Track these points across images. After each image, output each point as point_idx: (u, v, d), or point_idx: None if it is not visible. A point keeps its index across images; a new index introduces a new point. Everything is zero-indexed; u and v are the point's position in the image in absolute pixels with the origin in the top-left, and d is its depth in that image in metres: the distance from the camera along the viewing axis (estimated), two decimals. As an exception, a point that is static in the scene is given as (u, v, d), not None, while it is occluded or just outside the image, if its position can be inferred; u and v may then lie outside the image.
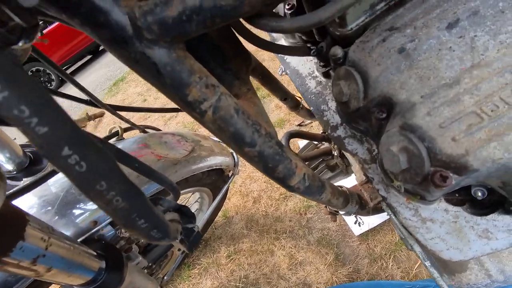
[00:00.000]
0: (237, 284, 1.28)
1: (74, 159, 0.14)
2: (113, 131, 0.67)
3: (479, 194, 0.32)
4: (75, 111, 3.43)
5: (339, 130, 0.46)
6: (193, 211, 0.50)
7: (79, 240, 0.55)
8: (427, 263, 0.52)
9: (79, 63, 5.68)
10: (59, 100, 0.22)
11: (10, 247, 0.25)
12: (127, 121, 0.59)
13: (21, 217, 0.27)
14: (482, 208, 0.34)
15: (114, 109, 0.58)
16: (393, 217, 0.41)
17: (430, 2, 0.31)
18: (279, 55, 0.61)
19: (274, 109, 2.05)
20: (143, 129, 0.71)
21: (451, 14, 0.29)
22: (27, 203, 0.55)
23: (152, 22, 0.21)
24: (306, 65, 0.56)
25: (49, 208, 0.53)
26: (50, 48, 4.55)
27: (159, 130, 0.83)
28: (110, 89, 3.64)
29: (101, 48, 6.01)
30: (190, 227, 0.46)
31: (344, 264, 1.21)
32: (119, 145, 0.72)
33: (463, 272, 0.55)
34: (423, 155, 0.26)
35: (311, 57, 0.56)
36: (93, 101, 0.55)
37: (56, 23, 4.42)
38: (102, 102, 0.56)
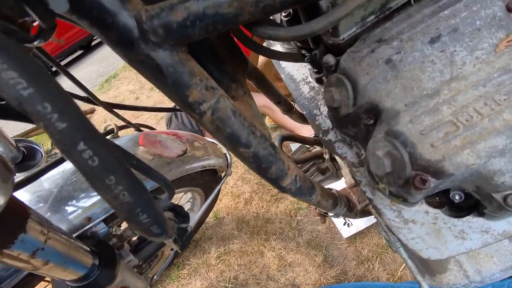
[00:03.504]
0: (227, 284, 1.29)
1: (88, 154, 0.16)
2: (108, 128, 0.67)
3: (457, 197, 0.35)
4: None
5: (330, 134, 0.48)
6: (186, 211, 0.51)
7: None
8: (411, 265, 0.55)
9: (70, 58, 5.57)
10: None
11: (12, 239, 0.26)
12: (123, 119, 0.60)
13: (23, 210, 0.28)
14: (459, 210, 0.37)
15: (111, 107, 0.59)
16: (378, 218, 0.43)
17: (415, 17, 0.33)
18: (275, 60, 0.63)
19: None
20: (138, 127, 0.72)
21: (434, 30, 0.31)
22: (20, 198, 0.55)
23: (157, 25, 0.22)
24: (300, 70, 0.58)
25: (42, 204, 0.53)
26: (40, 42, 4.45)
27: (154, 129, 0.84)
28: (101, 86, 3.59)
29: (93, 43, 5.90)
30: (183, 226, 0.47)
31: (332, 266, 1.23)
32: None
33: (443, 273, 0.58)
34: (405, 159, 0.29)
35: (305, 63, 0.58)
36: (90, 98, 0.56)
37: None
38: (100, 100, 0.56)
